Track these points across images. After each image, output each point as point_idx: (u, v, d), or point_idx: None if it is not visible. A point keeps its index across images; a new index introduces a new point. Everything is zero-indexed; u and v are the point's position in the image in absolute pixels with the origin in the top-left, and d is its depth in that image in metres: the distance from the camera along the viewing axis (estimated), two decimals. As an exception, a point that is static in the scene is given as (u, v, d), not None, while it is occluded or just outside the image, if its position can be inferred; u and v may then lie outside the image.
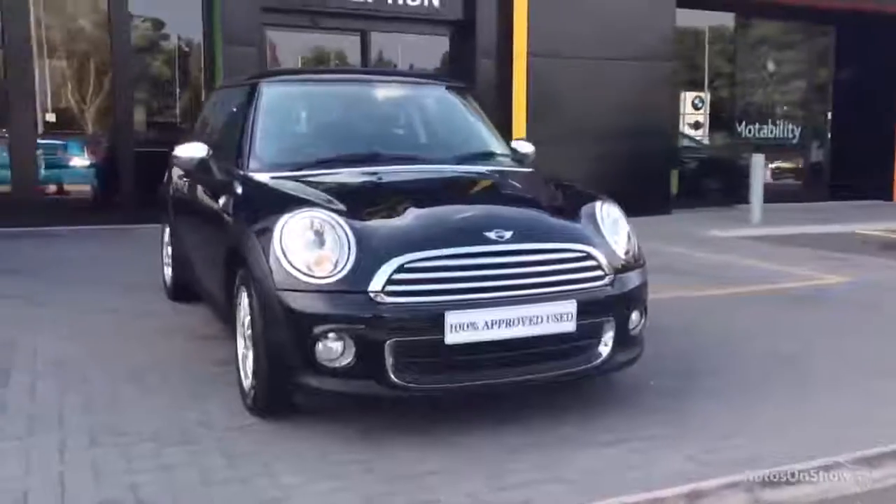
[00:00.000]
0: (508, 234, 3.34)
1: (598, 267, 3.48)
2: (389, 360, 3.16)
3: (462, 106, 4.92)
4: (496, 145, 4.65)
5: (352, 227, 3.27)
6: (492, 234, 3.32)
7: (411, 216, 3.41)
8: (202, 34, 10.56)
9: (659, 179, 12.32)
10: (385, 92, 4.80)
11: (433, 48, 11.97)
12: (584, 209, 3.71)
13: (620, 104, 11.73)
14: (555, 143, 11.26)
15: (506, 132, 11.21)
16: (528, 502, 2.80)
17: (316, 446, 3.27)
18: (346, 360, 3.17)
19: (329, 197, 3.54)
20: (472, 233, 3.35)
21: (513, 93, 11.34)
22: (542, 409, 3.66)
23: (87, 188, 10.43)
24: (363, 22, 11.03)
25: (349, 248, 3.21)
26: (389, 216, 3.41)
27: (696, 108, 14.11)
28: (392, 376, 3.17)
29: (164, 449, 3.21)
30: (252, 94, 4.42)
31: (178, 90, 11.18)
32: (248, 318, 3.45)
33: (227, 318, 3.94)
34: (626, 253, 3.68)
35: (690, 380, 4.13)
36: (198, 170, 4.40)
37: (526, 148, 4.81)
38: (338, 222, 3.28)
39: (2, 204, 9.36)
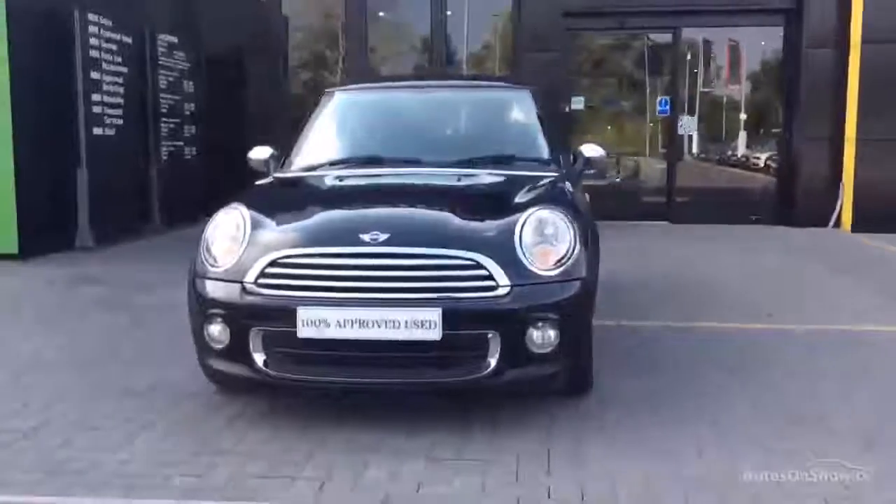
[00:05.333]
0: (384, 237, 3.35)
1: (489, 277, 3.29)
2: (256, 348, 3.40)
3: (509, 109, 4.78)
4: (529, 149, 4.49)
5: (254, 224, 3.57)
6: (367, 237, 3.35)
7: (310, 216, 3.61)
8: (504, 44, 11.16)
9: None
10: (428, 97, 4.89)
11: (756, 41, 11.01)
12: (511, 217, 3.49)
13: None
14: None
15: (838, 128, 9.95)
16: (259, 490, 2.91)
17: (229, 421, 3.61)
18: (224, 343, 3.49)
19: (273, 196, 3.87)
20: (347, 234, 3.43)
21: (847, 85, 9.92)
22: (450, 416, 3.57)
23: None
24: (675, 18, 10.59)
25: (244, 242, 3.53)
26: (294, 216, 3.64)
27: None
28: (257, 362, 3.41)
29: (120, 403, 3.83)
30: (320, 102, 4.90)
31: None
32: None
33: None
34: (556, 265, 3.38)
35: (668, 409, 3.68)
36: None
37: (591, 152, 4.56)
38: (246, 219, 3.60)
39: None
